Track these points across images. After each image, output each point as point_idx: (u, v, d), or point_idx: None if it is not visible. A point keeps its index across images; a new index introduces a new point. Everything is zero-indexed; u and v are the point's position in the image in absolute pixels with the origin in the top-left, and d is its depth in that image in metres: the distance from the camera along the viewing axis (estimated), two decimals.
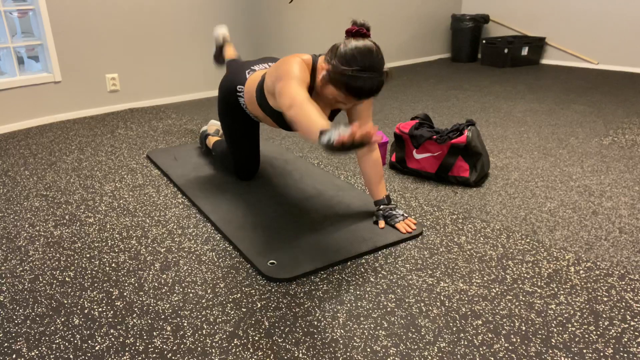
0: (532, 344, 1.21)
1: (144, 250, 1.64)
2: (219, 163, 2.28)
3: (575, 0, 4.63)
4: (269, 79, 1.63)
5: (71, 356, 1.18)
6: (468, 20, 4.98)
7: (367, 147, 1.76)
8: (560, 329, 1.26)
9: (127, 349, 1.20)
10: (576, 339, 1.22)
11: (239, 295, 1.40)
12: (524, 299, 1.38)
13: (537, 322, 1.28)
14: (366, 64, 1.41)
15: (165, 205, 1.97)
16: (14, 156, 2.53)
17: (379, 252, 1.61)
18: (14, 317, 1.32)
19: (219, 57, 2.57)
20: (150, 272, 1.51)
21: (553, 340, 1.22)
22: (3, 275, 1.51)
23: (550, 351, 1.18)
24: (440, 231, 1.74)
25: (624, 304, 1.35)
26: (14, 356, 1.18)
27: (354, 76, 1.41)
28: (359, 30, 1.44)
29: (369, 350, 1.19)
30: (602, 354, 1.17)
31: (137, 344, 1.22)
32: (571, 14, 4.69)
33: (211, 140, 2.35)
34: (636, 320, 1.29)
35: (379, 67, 1.43)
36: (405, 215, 1.75)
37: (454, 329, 1.26)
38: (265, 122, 1.90)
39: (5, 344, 1.22)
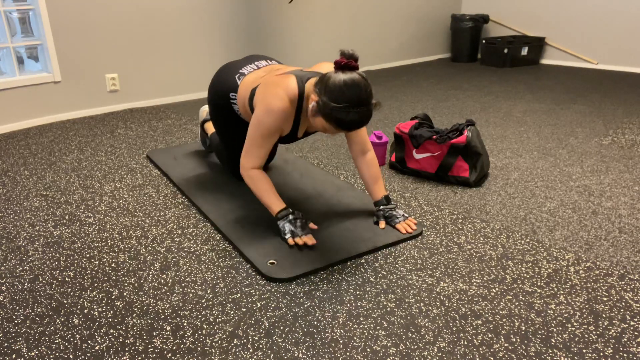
0: (532, 344, 1.21)
1: (143, 250, 1.64)
2: (216, 156, 2.27)
3: (575, 0, 4.63)
4: (255, 100, 1.69)
5: (71, 356, 1.18)
6: (468, 20, 4.98)
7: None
8: (560, 328, 1.26)
9: (127, 349, 1.20)
10: (576, 339, 1.22)
11: (238, 295, 1.40)
12: (523, 299, 1.38)
13: (537, 322, 1.28)
14: (354, 99, 1.44)
15: (165, 205, 1.97)
16: (14, 156, 2.53)
17: (379, 252, 1.61)
18: (14, 317, 1.32)
19: (205, 138, 2.41)
20: (150, 272, 1.52)
21: (553, 340, 1.22)
22: (3, 275, 1.51)
23: (550, 351, 1.18)
24: (440, 231, 1.74)
25: (623, 304, 1.35)
26: (13, 356, 1.18)
27: (343, 111, 1.45)
28: (347, 64, 1.47)
29: (369, 350, 1.19)
30: (601, 354, 1.17)
31: (137, 344, 1.22)
32: (571, 14, 4.69)
33: (208, 128, 2.32)
34: (636, 320, 1.29)
35: (367, 100, 1.47)
36: (405, 215, 1.75)
37: (454, 329, 1.26)
38: None
39: (5, 344, 1.22)
